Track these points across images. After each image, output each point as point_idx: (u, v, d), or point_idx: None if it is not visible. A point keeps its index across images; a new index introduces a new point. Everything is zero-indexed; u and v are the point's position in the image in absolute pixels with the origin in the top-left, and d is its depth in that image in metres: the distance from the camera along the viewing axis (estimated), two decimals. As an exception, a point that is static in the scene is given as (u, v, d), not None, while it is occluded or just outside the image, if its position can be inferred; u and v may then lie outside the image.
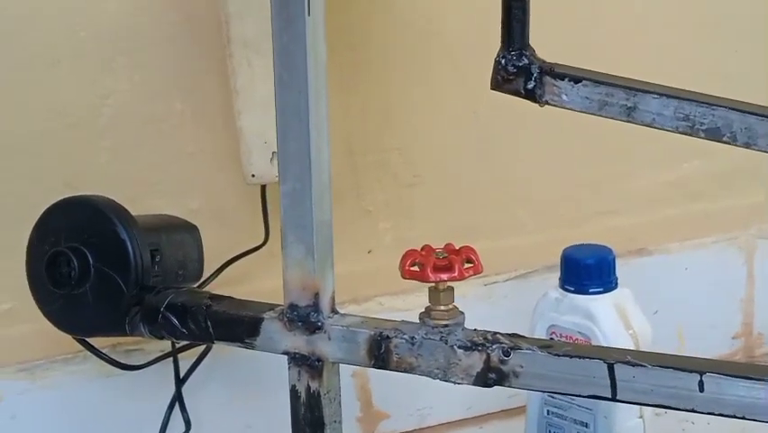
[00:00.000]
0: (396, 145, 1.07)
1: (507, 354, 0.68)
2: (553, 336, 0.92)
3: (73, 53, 0.94)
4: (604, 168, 1.13)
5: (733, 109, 0.67)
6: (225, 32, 0.88)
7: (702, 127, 0.69)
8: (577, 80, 0.74)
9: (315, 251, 0.70)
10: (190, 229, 0.87)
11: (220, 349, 0.89)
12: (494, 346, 0.68)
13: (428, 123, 1.07)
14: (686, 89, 0.71)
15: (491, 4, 0.80)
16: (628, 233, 1.13)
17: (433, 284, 0.70)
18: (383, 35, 1.04)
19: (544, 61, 0.76)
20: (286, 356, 0.72)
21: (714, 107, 0.69)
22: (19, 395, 0.95)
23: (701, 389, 0.65)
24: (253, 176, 0.92)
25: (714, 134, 0.68)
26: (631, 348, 0.88)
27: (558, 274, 0.94)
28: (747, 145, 0.67)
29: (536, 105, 0.77)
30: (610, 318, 0.90)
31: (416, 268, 0.70)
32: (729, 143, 0.68)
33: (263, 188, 0.97)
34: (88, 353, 0.88)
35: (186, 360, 0.95)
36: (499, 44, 0.79)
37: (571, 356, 0.67)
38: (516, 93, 0.76)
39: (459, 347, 0.69)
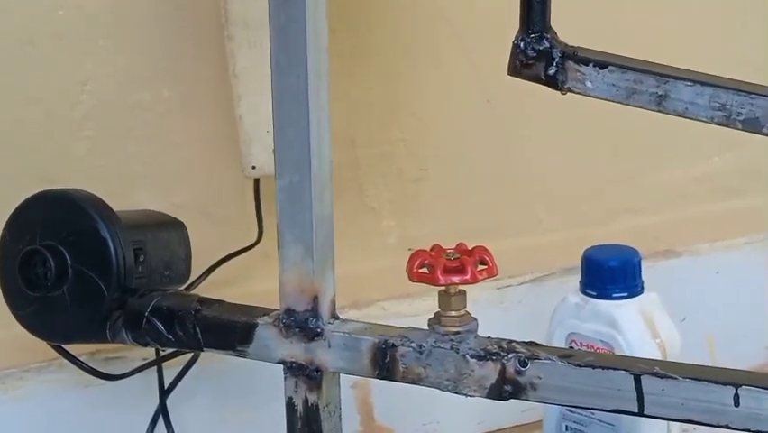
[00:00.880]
0: (401, 137, 1.06)
1: (524, 364, 0.68)
2: (574, 344, 0.93)
3: (50, 33, 0.94)
4: (629, 162, 1.13)
5: None
6: (224, 12, 0.88)
7: (740, 117, 0.69)
8: (603, 66, 0.74)
9: (314, 250, 0.70)
10: (177, 226, 0.87)
11: (208, 357, 0.89)
12: (510, 356, 0.68)
13: (437, 113, 1.07)
14: (722, 77, 0.70)
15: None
16: (655, 232, 1.14)
17: (443, 288, 0.70)
18: (389, 18, 1.04)
19: (566, 45, 0.76)
20: (281, 366, 0.72)
21: (753, 96, 0.69)
22: (-11, 406, 0.95)
23: (737, 403, 0.65)
24: (254, 168, 0.92)
25: (753, 125, 0.68)
26: (658, 358, 0.88)
27: (578, 277, 0.94)
28: None
29: (558, 92, 0.77)
30: (636, 326, 0.91)
31: (425, 270, 0.70)
32: None
33: (257, 181, 0.97)
34: (65, 361, 0.88)
35: (171, 369, 0.95)
36: (517, 27, 0.78)
37: (595, 367, 0.67)
38: (536, 79, 0.76)
39: (471, 357, 0.68)
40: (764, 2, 1.15)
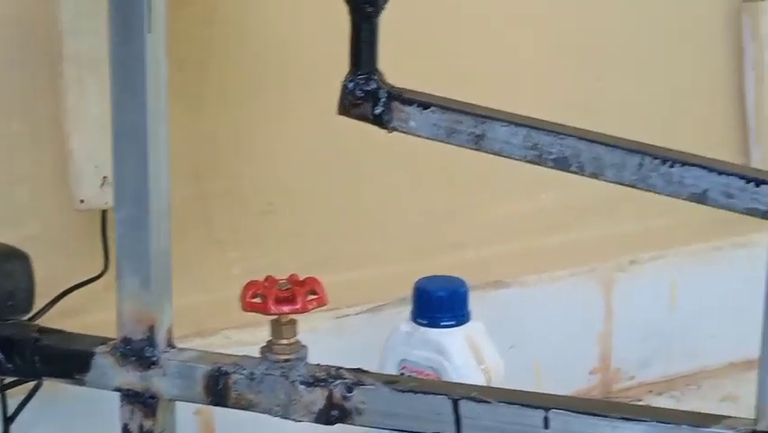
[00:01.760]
0: (247, 171, 1.06)
1: (350, 390, 0.69)
2: (405, 370, 0.93)
3: None
4: (460, 197, 1.15)
5: (581, 139, 0.69)
6: (58, 48, 0.87)
7: (550, 156, 0.71)
8: (426, 106, 0.75)
9: (151, 281, 0.70)
10: (20, 257, 0.85)
11: (53, 385, 0.87)
12: (337, 382, 0.69)
13: (281, 148, 1.07)
14: (535, 118, 0.72)
15: (346, 26, 0.81)
16: (484, 264, 1.15)
17: (275, 317, 0.70)
18: (236, 55, 1.04)
19: (392, 86, 0.78)
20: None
21: (562, 136, 0.71)
22: None
23: (546, 425, 0.67)
24: (82, 201, 0.92)
25: (562, 164, 0.70)
26: (483, 384, 0.90)
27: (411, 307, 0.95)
28: (595, 175, 0.69)
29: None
30: (462, 353, 0.92)
31: (257, 300, 0.70)
32: (577, 173, 0.70)
33: (103, 213, 0.96)
34: None
35: (15, 397, 0.92)
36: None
37: (416, 392, 0.69)
38: (364, 118, 0.77)
39: (300, 383, 0.70)
40: (592, 49, 1.19)
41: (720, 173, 0.68)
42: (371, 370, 0.71)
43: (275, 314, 0.70)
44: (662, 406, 0.98)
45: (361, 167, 1.10)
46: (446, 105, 0.74)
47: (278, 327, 0.71)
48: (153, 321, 0.70)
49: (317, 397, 0.69)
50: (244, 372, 0.70)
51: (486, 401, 0.67)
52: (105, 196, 0.89)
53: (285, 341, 0.71)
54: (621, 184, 0.69)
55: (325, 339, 0.98)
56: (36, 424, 0.96)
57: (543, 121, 0.72)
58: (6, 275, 0.83)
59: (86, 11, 0.87)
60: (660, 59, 1.23)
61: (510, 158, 0.72)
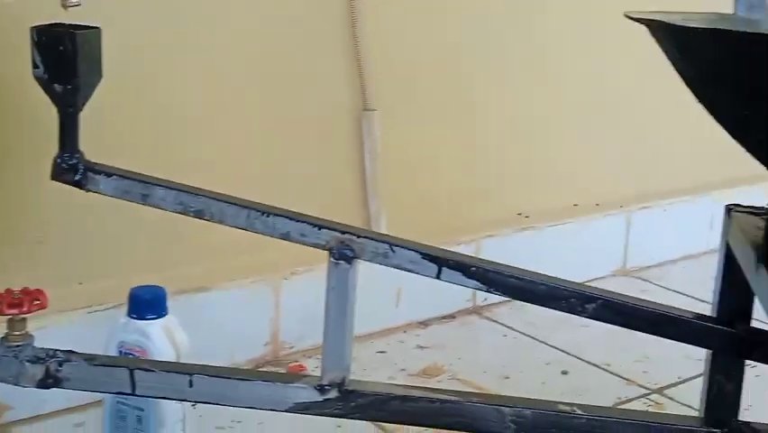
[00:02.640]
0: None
1: (60, 364, 0.98)
2: (122, 349, 1.21)
3: None
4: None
5: (210, 198, 0.99)
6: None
7: (192, 210, 1.00)
8: (109, 175, 1.01)
9: None
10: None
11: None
12: (52, 360, 0.98)
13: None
14: (184, 184, 1.01)
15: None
16: (190, 278, 1.45)
17: (10, 316, 0.99)
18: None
19: (89, 161, 1.02)
20: None
21: (198, 196, 1.00)
22: None
23: (191, 385, 0.98)
24: None
25: (200, 214, 1.00)
26: (174, 359, 1.20)
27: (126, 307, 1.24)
28: (221, 222, 0.98)
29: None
30: (160, 337, 1.21)
31: (-3, 305, 0.99)
32: (209, 220, 0.99)
33: None
34: None
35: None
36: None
37: (106, 365, 0.98)
38: (68, 183, 1.02)
39: (27, 361, 0.98)
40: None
41: (297, 221, 0.98)
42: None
43: (9, 314, 0.98)
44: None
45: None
46: (123, 175, 1.01)
47: (12, 324, 0.99)
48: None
49: (38, 370, 0.97)
50: (-10, 355, 0.98)
51: (151, 370, 0.98)
52: None
53: (17, 333, 0.99)
54: (237, 228, 0.99)
55: (79, 330, 1.27)
56: None
57: (188, 186, 1.00)
58: None
59: None
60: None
61: (169, 210, 1.00)
